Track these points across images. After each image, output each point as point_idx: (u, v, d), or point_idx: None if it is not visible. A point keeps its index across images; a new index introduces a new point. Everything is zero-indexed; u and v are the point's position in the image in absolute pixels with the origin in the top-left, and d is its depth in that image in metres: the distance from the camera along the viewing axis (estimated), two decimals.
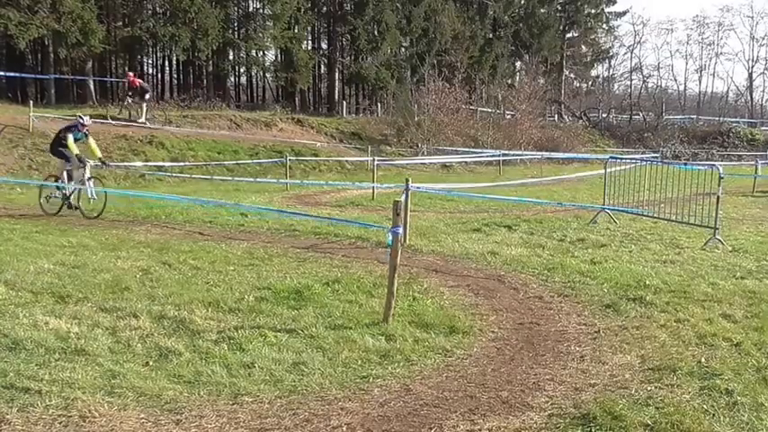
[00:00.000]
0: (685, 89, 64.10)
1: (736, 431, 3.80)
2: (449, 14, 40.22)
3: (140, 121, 23.88)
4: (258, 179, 18.84)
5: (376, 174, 18.27)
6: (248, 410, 4.00)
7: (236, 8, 35.64)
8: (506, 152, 28.52)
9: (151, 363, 4.71)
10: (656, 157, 28.62)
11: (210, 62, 34.84)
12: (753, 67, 60.06)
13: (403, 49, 41.85)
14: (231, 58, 35.90)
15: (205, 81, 36.27)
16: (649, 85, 57.24)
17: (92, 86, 30.53)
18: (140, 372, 4.51)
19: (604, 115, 47.83)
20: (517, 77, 46.83)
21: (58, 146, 12.67)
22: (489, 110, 37.08)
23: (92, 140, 12.89)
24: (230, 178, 19.38)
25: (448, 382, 4.49)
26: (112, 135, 22.65)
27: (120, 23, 31.96)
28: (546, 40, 46.60)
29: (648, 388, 4.35)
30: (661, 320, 5.80)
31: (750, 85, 60.31)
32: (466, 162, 27.65)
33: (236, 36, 35.28)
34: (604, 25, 53.83)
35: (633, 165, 14.18)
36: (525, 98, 35.72)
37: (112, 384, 4.28)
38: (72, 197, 12.32)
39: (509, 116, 37.06)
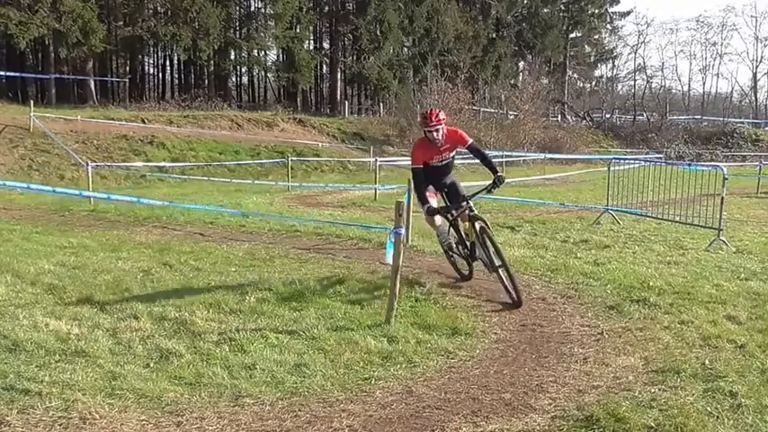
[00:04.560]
0: (689, 89, 64.13)
1: None
2: (451, 14, 40.25)
3: None
4: (260, 180, 18.86)
5: (378, 174, 18.27)
6: (249, 412, 3.98)
7: (237, 8, 35.70)
8: (509, 152, 28.52)
9: (152, 364, 4.69)
10: (660, 158, 28.59)
11: (212, 62, 34.89)
12: (757, 67, 60.07)
13: (405, 49, 41.89)
14: (232, 57, 35.95)
15: (206, 81, 36.35)
16: (653, 85, 57.35)
17: (92, 86, 30.60)
18: (141, 373, 4.50)
19: (608, 115, 47.88)
20: (520, 78, 46.89)
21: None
22: (492, 110, 37.12)
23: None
24: (229, 180, 19.34)
25: (450, 384, 4.47)
26: (113, 135, 22.70)
27: (121, 23, 32.00)
28: (549, 40, 46.65)
29: (652, 390, 4.32)
30: (665, 322, 5.77)
31: (754, 86, 60.34)
32: (468, 162, 27.62)
33: (238, 36, 35.33)
34: (608, 25, 53.94)
35: (637, 165, 14.14)
36: (528, 98, 35.76)
37: (113, 386, 4.27)
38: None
39: (512, 116, 37.09)
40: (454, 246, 7.17)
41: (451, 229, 7.08)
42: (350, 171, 25.85)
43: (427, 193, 6.85)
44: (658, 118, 45.55)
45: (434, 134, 6.67)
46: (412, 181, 7.06)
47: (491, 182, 6.67)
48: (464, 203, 6.75)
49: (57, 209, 13.54)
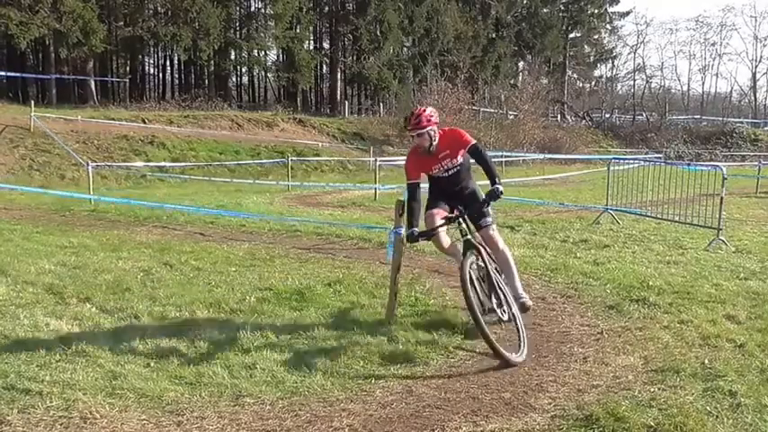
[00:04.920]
0: (689, 89, 64.15)
1: None
2: (451, 14, 40.26)
3: None
4: (260, 180, 18.86)
5: (378, 174, 18.27)
6: (250, 412, 3.98)
7: (237, 8, 35.70)
8: (508, 152, 28.55)
9: (152, 364, 4.70)
10: (660, 158, 28.60)
11: (212, 62, 34.89)
12: (756, 67, 60.11)
13: (405, 49, 41.91)
14: (233, 57, 35.95)
15: (206, 81, 36.34)
16: (653, 85, 57.36)
17: (93, 86, 30.61)
18: (141, 373, 4.50)
19: (607, 115, 47.91)
20: (520, 78, 46.89)
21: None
22: (492, 110, 37.13)
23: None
24: (229, 180, 19.33)
25: (450, 384, 4.47)
26: (113, 135, 22.69)
27: (122, 23, 32.02)
28: (549, 41, 46.66)
29: (651, 389, 4.32)
30: (664, 321, 5.77)
31: (753, 86, 60.36)
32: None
33: (238, 36, 35.33)
34: (607, 25, 53.96)
35: (636, 165, 14.15)
36: (528, 98, 35.77)
37: (113, 385, 4.27)
38: None
39: (512, 116, 37.08)
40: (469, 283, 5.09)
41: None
42: (350, 171, 25.85)
43: (434, 210, 5.55)
44: (658, 118, 45.58)
45: (419, 139, 5.39)
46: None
47: (486, 195, 5.29)
48: (454, 221, 5.31)
49: (57, 209, 13.55)
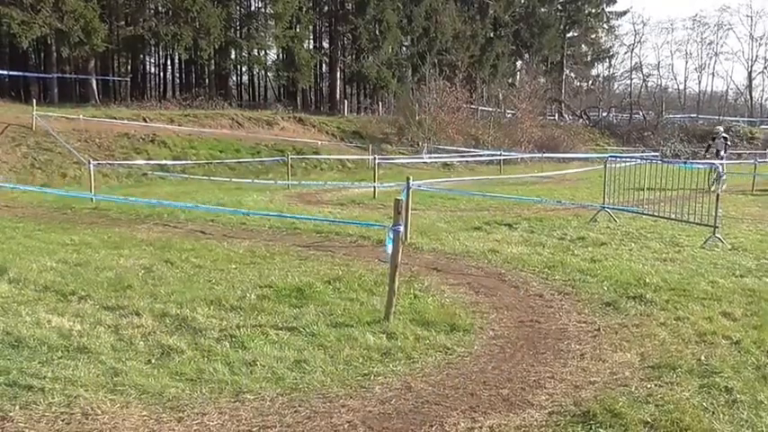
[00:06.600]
0: (685, 88, 64.16)
1: (735, 429, 3.81)
2: (450, 14, 40.23)
3: None
4: (260, 178, 18.87)
5: (377, 172, 18.28)
6: (250, 408, 4.02)
7: (238, 7, 35.65)
8: (507, 151, 28.54)
9: (153, 360, 4.74)
10: (656, 156, 28.62)
11: (212, 61, 34.84)
12: (752, 66, 60.16)
13: (404, 49, 41.88)
14: (233, 57, 35.87)
15: (207, 80, 36.30)
16: (649, 84, 57.33)
17: (94, 85, 30.57)
18: (143, 369, 4.54)
19: (605, 114, 47.84)
20: (518, 77, 46.79)
21: None
22: (490, 109, 37.12)
23: None
24: (228, 179, 19.33)
25: (449, 380, 4.51)
26: (115, 133, 22.71)
27: (123, 22, 32.01)
28: (546, 40, 46.64)
29: (648, 386, 4.36)
30: (661, 318, 5.82)
31: (749, 84, 60.38)
32: (467, 161, 27.67)
33: (238, 35, 35.27)
34: (605, 25, 53.88)
35: (633, 163, 14.18)
36: (526, 97, 35.71)
37: (115, 382, 4.31)
38: None
39: (510, 115, 37.07)
40: None
41: None
42: (349, 169, 25.81)
43: None
44: (654, 116, 45.48)
45: None
46: None
47: None
48: None
49: (59, 206, 13.55)
